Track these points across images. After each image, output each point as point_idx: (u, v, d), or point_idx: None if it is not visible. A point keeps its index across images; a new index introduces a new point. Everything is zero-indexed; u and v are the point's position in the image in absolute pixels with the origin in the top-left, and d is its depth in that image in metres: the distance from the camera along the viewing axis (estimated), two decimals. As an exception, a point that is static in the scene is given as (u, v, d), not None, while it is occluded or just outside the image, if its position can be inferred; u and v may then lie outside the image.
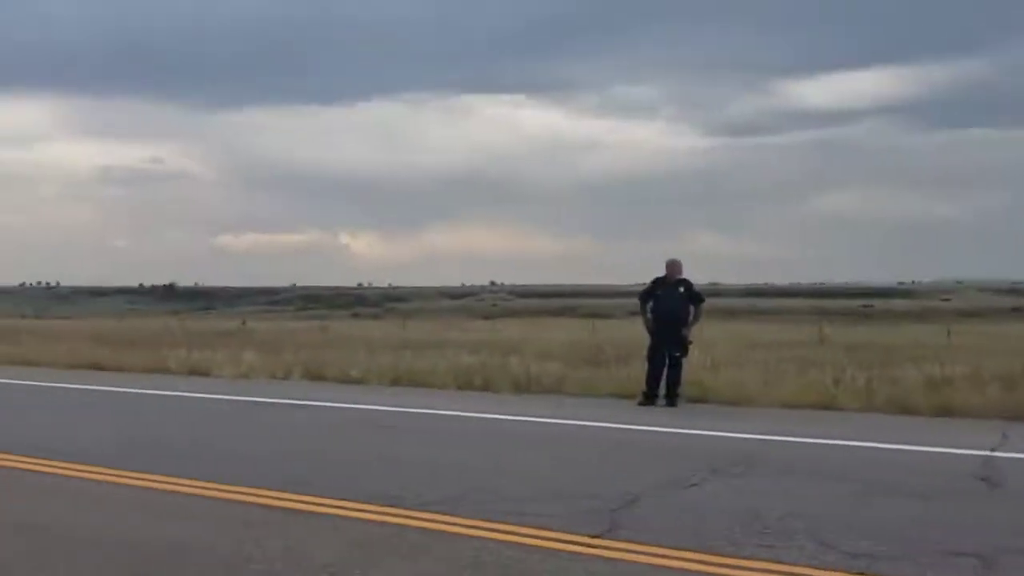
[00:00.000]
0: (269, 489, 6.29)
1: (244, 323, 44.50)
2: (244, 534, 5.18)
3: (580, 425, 9.62)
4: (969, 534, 5.17)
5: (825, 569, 4.50)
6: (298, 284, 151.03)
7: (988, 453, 7.68)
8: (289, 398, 12.29)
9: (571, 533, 5.13)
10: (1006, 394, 10.72)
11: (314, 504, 5.89)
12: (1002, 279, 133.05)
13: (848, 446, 8.19)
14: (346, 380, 14.96)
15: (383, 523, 5.42)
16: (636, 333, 12.89)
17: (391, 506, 5.79)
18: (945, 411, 10.41)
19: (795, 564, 4.57)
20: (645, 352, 11.74)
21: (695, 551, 4.78)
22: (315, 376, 15.51)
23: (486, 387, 13.47)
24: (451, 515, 5.55)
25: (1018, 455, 7.67)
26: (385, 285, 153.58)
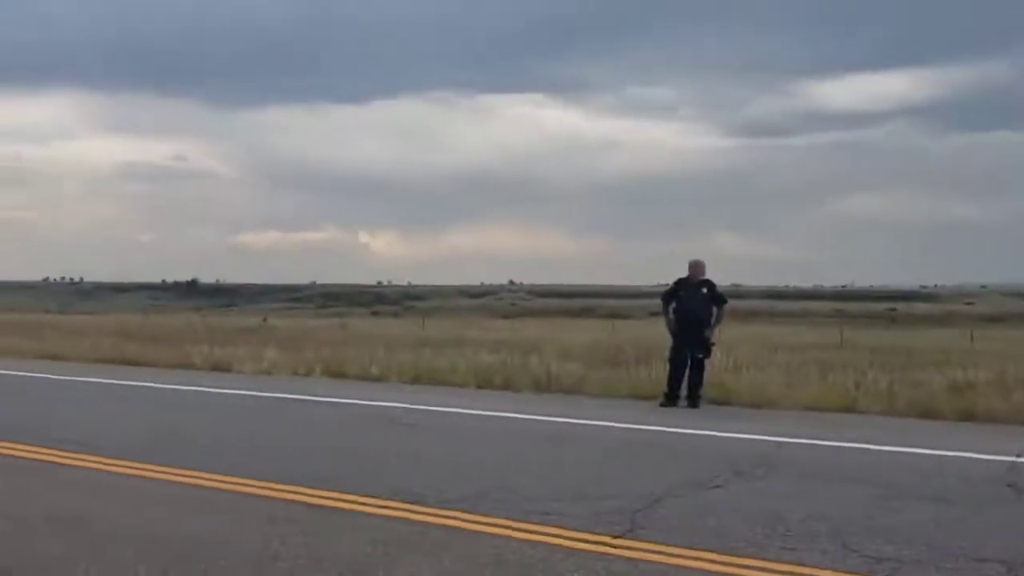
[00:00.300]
0: (292, 484, 6.35)
1: (265, 320, 44.80)
2: (269, 530, 5.23)
3: (601, 425, 9.62)
4: (994, 539, 5.14)
5: (848, 572, 4.50)
6: (318, 282, 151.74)
7: (1014, 459, 7.62)
8: (310, 394, 12.36)
9: (592, 533, 5.14)
10: None
11: (337, 500, 5.94)
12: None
13: (870, 449, 8.15)
14: (366, 377, 15.03)
15: (405, 520, 5.45)
16: (656, 334, 12.88)
17: (413, 503, 5.82)
18: (968, 416, 10.34)
19: (818, 567, 4.57)
20: (667, 353, 11.71)
21: (717, 552, 4.79)
22: (336, 373, 15.59)
23: (506, 386, 13.50)
24: (472, 513, 5.58)
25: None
26: (404, 283, 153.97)
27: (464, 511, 5.63)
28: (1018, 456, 7.73)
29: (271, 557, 4.73)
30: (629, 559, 4.70)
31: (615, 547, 4.90)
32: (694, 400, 11.37)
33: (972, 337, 28.77)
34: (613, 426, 9.56)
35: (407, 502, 5.85)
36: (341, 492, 6.12)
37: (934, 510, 5.87)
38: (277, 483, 6.40)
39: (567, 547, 4.89)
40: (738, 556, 4.73)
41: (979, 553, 4.83)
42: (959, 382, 12.55)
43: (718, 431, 9.11)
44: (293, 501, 5.94)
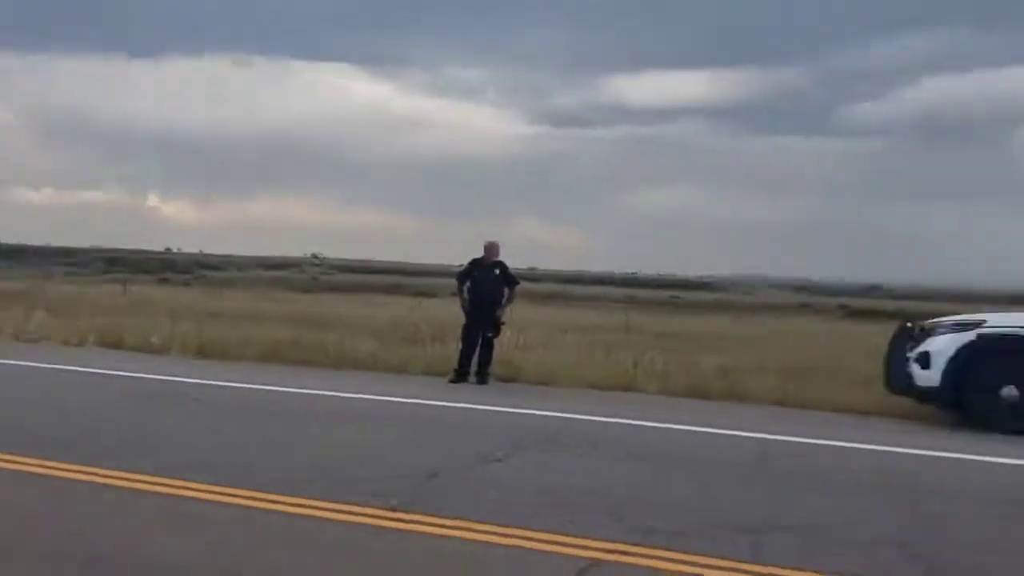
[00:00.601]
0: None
1: (45, 280, 41.59)
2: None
3: (391, 401, 9.56)
4: (746, 510, 5.52)
5: (620, 543, 4.67)
6: (100, 246, 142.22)
7: (764, 435, 8.20)
8: (78, 365, 11.56)
9: (367, 506, 5.08)
10: (786, 382, 11.47)
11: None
12: (798, 277, 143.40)
13: (645, 426, 8.55)
14: (145, 349, 14.25)
15: (181, 497, 5.20)
16: (454, 312, 12.95)
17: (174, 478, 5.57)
18: (733, 396, 11.06)
19: (590, 539, 4.72)
20: (460, 331, 11.82)
21: (495, 524, 4.85)
22: (113, 343, 14.67)
23: (300, 361, 13.18)
24: (240, 488, 5.39)
25: (790, 438, 8.21)
26: (196, 251, 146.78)
27: (214, 484, 5.43)
28: (768, 434, 8.32)
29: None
30: (402, 531, 4.69)
31: (389, 519, 4.87)
32: (483, 377, 11.54)
33: (727, 323, 30.85)
34: (403, 402, 9.53)
35: (171, 478, 5.59)
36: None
37: (699, 484, 6.23)
38: None
39: (342, 521, 4.82)
40: (516, 528, 4.82)
41: (734, 522, 5.17)
42: (728, 366, 13.41)
43: (503, 407, 9.27)
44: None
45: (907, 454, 7.77)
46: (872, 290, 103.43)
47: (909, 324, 10.24)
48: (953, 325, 9.62)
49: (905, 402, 9.95)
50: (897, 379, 9.77)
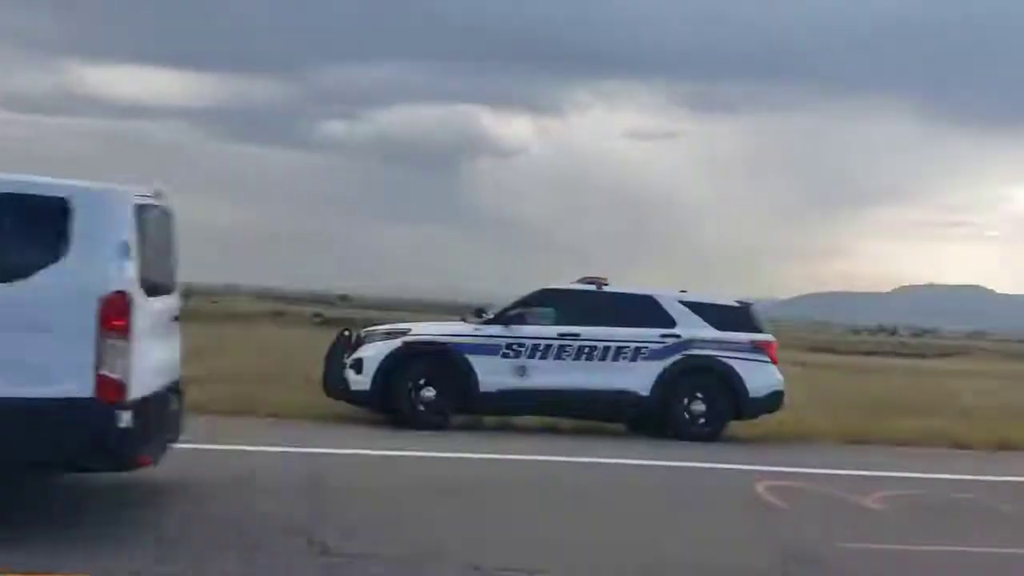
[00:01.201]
0: None
1: None
2: None
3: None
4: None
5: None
6: None
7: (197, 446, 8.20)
8: None
9: None
10: (238, 389, 11.37)
11: None
12: (271, 286, 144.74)
13: None
14: None
15: None
16: None
17: None
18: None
19: None
20: None
21: None
22: None
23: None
24: None
25: (222, 446, 8.21)
26: None
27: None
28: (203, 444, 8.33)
29: None
30: None
31: None
32: None
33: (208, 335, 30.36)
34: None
35: None
36: None
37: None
38: None
39: None
40: None
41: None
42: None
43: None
44: None
45: (338, 455, 8.41)
46: (342, 300, 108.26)
47: (347, 332, 11.03)
48: (384, 333, 10.63)
49: (343, 405, 10.63)
50: (334, 384, 10.45)
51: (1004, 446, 11.35)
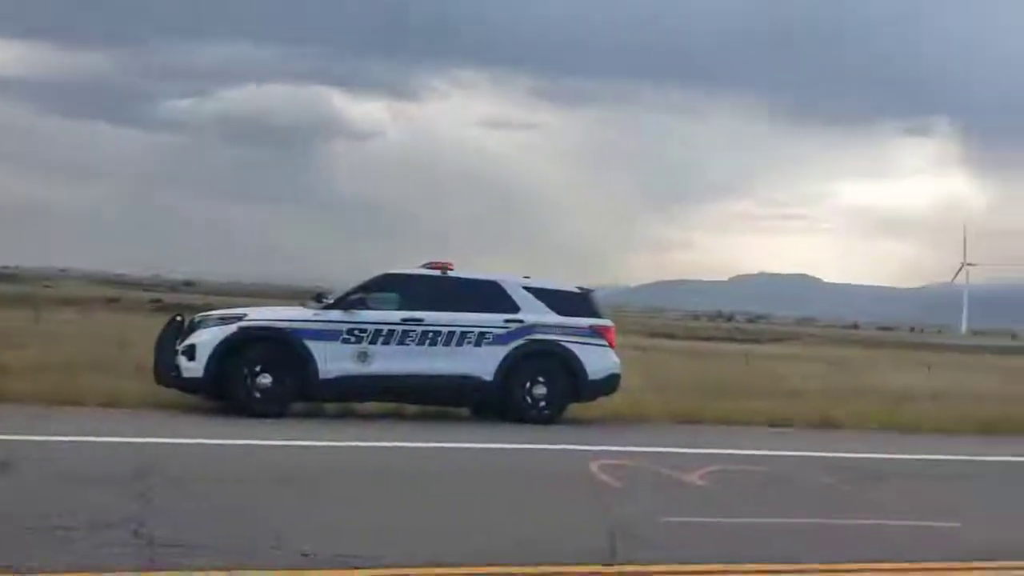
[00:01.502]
0: None
1: None
2: None
3: None
4: None
5: None
6: None
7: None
8: None
9: None
10: (57, 379, 10.84)
11: None
12: (110, 272, 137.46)
13: None
14: None
15: None
16: None
17: None
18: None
19: None
20: None
21: None
22: None
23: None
24: None
25: (52, 437, 7.97)
26: None
27: None
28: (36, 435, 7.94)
29: None
30: None
31: None
32: None
33: (39, 320, 28.65)
34: None
35: None
36: None
37: None
38: None
39: None
40: None
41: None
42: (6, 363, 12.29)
43: None
44: None
45: (170, 444, 8.12)
46: (186, 286, 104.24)
47: (179, 317, 10.62)
48: (219, 319, 10.30)
49: (175, 393, 10.25)
50: (166, 371, 10.06)
51: (826, 424, 12.14)
